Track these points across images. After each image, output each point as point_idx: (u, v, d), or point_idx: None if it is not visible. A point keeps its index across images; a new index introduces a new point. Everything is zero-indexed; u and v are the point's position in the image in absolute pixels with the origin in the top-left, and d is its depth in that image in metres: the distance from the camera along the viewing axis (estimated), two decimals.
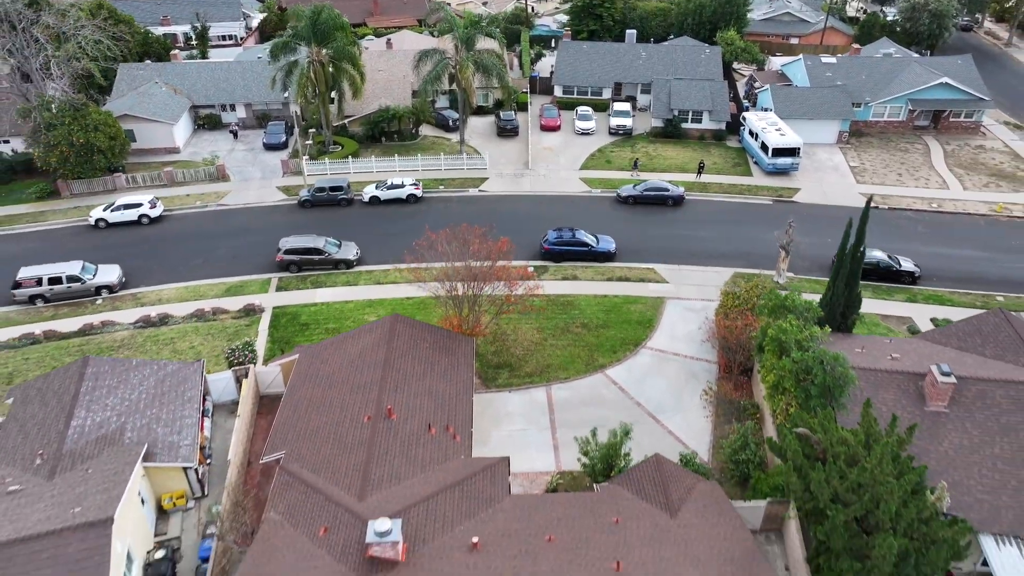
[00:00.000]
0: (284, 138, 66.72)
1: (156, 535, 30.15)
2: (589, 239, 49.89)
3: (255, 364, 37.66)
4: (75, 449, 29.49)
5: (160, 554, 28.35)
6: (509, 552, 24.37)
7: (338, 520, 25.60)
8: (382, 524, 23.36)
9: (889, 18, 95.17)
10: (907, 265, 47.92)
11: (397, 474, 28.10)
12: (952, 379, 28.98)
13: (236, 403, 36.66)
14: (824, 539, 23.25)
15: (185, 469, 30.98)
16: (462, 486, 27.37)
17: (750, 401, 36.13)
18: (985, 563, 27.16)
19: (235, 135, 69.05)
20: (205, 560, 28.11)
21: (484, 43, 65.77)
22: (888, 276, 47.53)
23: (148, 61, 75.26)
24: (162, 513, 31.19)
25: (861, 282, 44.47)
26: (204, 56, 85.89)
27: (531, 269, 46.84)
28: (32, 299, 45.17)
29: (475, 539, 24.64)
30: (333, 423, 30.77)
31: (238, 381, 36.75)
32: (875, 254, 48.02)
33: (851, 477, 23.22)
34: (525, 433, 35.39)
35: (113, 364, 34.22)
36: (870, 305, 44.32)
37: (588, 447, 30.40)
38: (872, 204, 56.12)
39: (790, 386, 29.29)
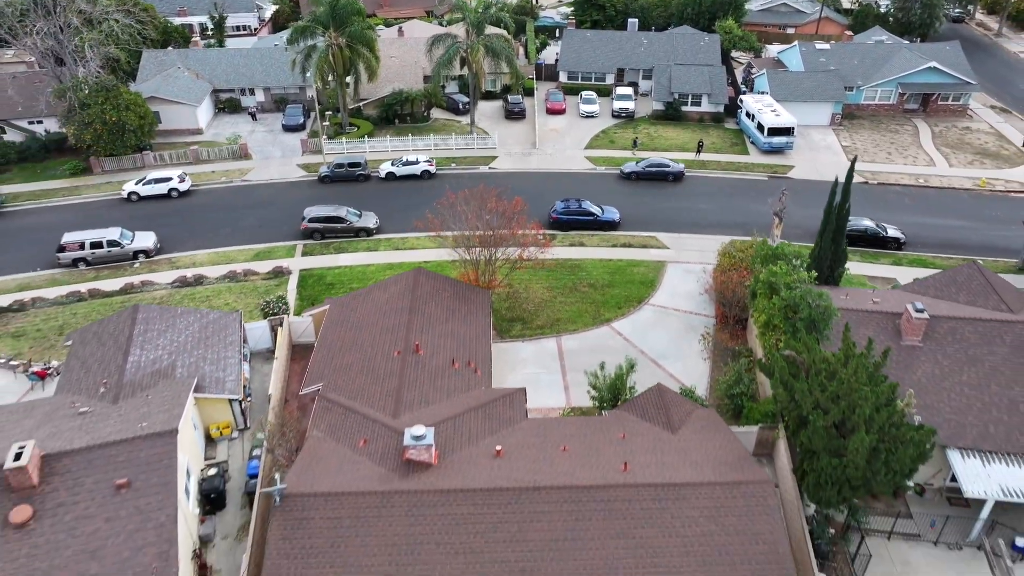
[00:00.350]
0: (302, 120, 69.88)
1: (206, 459, 33.38)
2: (594, 209, 53.08)
3: (288, 315, 40.84)
4: (134, 380, 32.65)
5: (213, 471, 31.55)
6: (528, 458, 27.51)
7: (375, 434, 28.77)
8: (417, 429, 26.54)
9: (882, 9, 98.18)
10: (893, 232, 51.09)
11: (426, 399, 31.33)
12: (925, 315, 32.14)
13: (271, 351, 39.95)
14: (807, 442, 26.41)
15: (231, 401, 34.17)
16: (485, 409, 30.53)
17: (744, 347, 39.30)
18: (953, 479, 30.33)
19: (254, 117, 72.27)
20: (253, 476, 31.30)
21: (492, 31, 69.09)
22: (875, 242, 50.69)
23: (170, 48, 78.43)
24: (210, 441, 34.42)
25: (850, 248, 48.01)
26: (221, 45, 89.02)
27: (540, 238, 49.88)
28: (75, 262, 48.35)
29: (498, 447, 27.82)
30: (365, 359, 33.96)
31: (273, 330, 39.89)
32: (863, 222, 51.23)
33: (830, 388, 26.40)
34: (538, 376, 38.52)
35: (161, 311, 37.41)
36: (858, 267, 47.56)
37: (596, 380, 33.57)
38: (863, 181, 59.55)
39: (779, 322, 32.47)
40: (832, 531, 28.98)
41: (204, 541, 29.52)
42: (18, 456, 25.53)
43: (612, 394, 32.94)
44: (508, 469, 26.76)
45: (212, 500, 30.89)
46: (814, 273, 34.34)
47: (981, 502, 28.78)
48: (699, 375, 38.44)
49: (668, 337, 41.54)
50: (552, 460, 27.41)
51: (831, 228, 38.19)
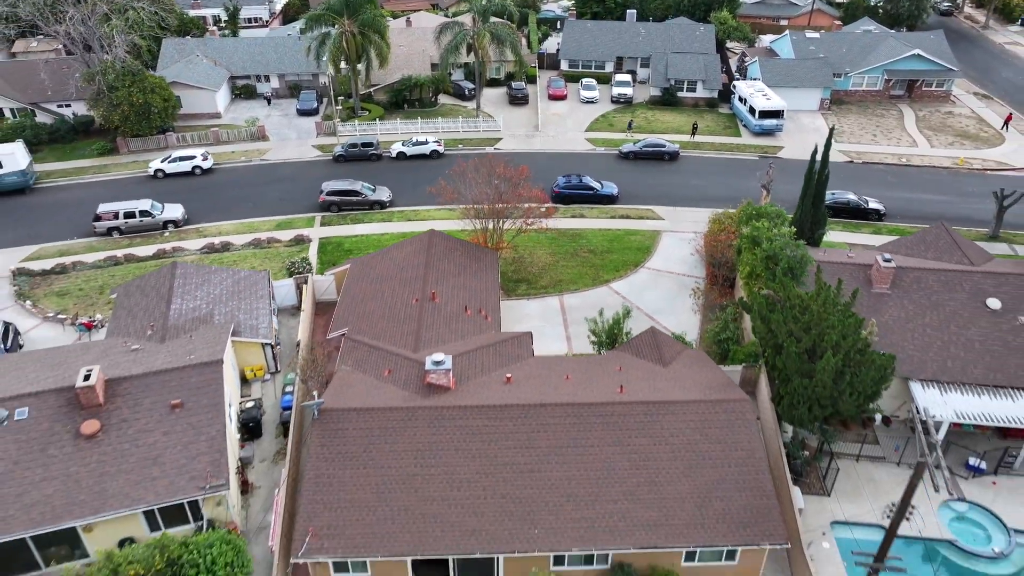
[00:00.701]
0: (315, 105, 73.39)
1: (242, 396, 36.82)
2: (594, 184, 56.57)
3: (312, 273, 44.29)
4: (177, 324, 36.10)
5: (250, 404, 35.04)
6: (535, 384, 30.92)
7: (398, 365, 32.19)
8: (437, 356, 30.01)
9: (872, 1, 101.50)
10: (874, 204, 54.57)
11: (442, 339, 34.77)
12: (892, 264, 35.61)
13: (296, 307, 43.42)
14: (782, 367, 29.86)
15: (263, 345, 37.64)
16: (495, 347, 33.95)
17: (732, 301, 42.75)
18: (917, 410, 33.71)
19: (269, 101, 75.82)
20: (287, 408, 34.75)
21: (496, 22, 72.71)
22: (857, 214, 54.16)
23: (188, 37, 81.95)
24: (245, 382, 37.86)
25: (834, 219, 51.60)
26: (235, 35, 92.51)
27: (543, 209, 53.37)
28: (109, 231, 51.81)
29: (508, 375, 31.27)
30: (386, 306, 37.45)
31: (298, 288, 43.37)
32: (847, 195, 54.78)
33: (803, 320, 29.86)
34: (542, 328, 41.91)
35: (197, 268, 40.87)
36: (840, 236, 51.08)
37: (596, 326, 37.03)
38: (849, 160, 62.93)
39: (761, 271, 35.91)
40: (806, 452, 32.46)
41: (244, 463, 32.97)
42: (87, 377, 28.99)
43: (610, 338, 36.39)
44: (517, 392, 30.19)
45: (250, 429, 34.36)
46: (793, 229, 37.74)
47: (938, 427, 32.23)
48: (690, 327, 41.87)
49: (662, 296, 45.00)
50: (556, 386, 30.84)
51: (811, 192, 41.68)
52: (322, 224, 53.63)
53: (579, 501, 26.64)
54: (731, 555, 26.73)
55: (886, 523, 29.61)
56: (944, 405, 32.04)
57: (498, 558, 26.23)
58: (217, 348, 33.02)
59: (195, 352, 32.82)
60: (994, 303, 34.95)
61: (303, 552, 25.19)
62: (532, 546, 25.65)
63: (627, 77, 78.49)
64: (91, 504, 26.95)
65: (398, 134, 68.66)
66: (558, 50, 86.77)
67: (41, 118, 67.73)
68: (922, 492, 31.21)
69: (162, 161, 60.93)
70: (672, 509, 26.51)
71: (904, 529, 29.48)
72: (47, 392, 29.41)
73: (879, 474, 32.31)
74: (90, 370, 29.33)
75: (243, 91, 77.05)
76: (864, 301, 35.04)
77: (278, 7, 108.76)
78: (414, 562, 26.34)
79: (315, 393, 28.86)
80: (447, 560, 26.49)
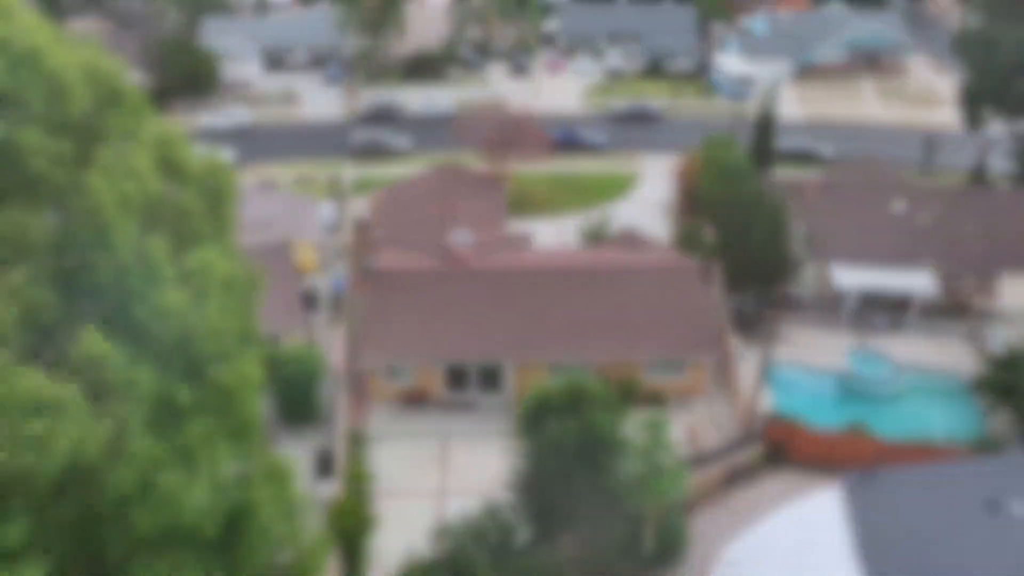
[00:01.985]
0: (340, 74, 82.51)
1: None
2: (585, 134, 65.69)
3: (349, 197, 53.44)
4: (248, 224, 45.11)
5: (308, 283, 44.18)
6: (535, 261, 40.02)
7: (428, 249, 41.24)
8: (459, 232, 39.11)
9: None
10: (825, 150, 63.71)
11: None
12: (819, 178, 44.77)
13: (337, 226, 52.47)
14: (725, 240, 39.00)
15: (315, 244, 46.77)
16: (503, 240, 43.08)
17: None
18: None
19: (298, 71, 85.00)
20: (338, 289, 43.87)
21: None
22: (811, 159, 63.28)
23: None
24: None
25: (791, 162, 60.53)
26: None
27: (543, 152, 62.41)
28: None
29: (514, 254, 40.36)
30: (414, 215, 46.55)
31: (338, 209, 52.49)
32: (804, 143, 63.92)
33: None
34: (540, 240, 50.88)
35: (258, 189, 50.01)
36: (796, 174, 60.01)
37: (585, 227, 46.14)
38: (810, 120, 71.80)
39: (715, 180, 45.02)
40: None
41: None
42: None
43: (595, 236, 45.52)
44: (522, 263, 39.29)
45: (309, 302, 43.46)
46: (743, 155, 46.88)
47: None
48: (663, 237, 50.93)
49: (641, 217, 54.04)
50: (552, 261, 39.95)
51: (763, 126, 50.75)
52: (354, 165, 62.72)
53: (567, 330, 35.72)
54: (679, 369, 35.85)
55: (802, 360, 38.82)
56: (853, 277, 41.15)
57: (508, 365, 35.32)
58: (285, 234, 42.16)
59: (269, 239, 41.92)
60: (899, 206, 44.06)
61: (365, 357, 34.29)
62: (532, 356, 34.76)
63: (617, 52, 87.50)
64: None
65: (415, 97, 77.67)
66: (557, 29, 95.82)
67: None
68: (835, 346, 40.52)
69: (211, 116, 69.98)
70: (637, 334, 35.59)
71: (815, 366, 38.71)
72: None
73: (804, 331, 41.36)
74: None
75: (275, 62, 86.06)
76: (798, 206, 44.14)
77: None
78: (445, 369, 35.45)
79: (368, 258, 37.91)
80: (469, 369, 35.60)
